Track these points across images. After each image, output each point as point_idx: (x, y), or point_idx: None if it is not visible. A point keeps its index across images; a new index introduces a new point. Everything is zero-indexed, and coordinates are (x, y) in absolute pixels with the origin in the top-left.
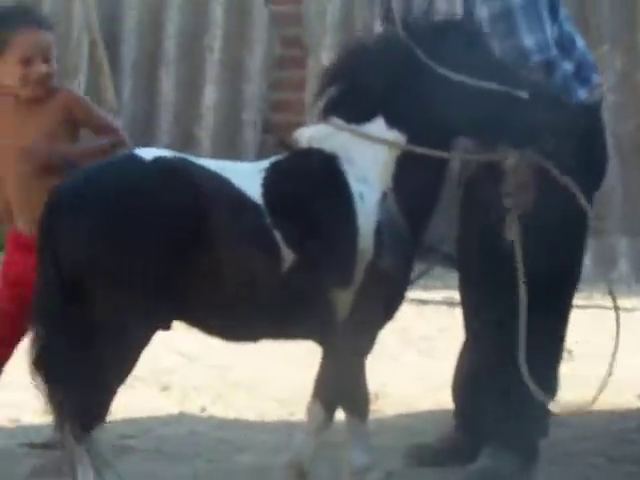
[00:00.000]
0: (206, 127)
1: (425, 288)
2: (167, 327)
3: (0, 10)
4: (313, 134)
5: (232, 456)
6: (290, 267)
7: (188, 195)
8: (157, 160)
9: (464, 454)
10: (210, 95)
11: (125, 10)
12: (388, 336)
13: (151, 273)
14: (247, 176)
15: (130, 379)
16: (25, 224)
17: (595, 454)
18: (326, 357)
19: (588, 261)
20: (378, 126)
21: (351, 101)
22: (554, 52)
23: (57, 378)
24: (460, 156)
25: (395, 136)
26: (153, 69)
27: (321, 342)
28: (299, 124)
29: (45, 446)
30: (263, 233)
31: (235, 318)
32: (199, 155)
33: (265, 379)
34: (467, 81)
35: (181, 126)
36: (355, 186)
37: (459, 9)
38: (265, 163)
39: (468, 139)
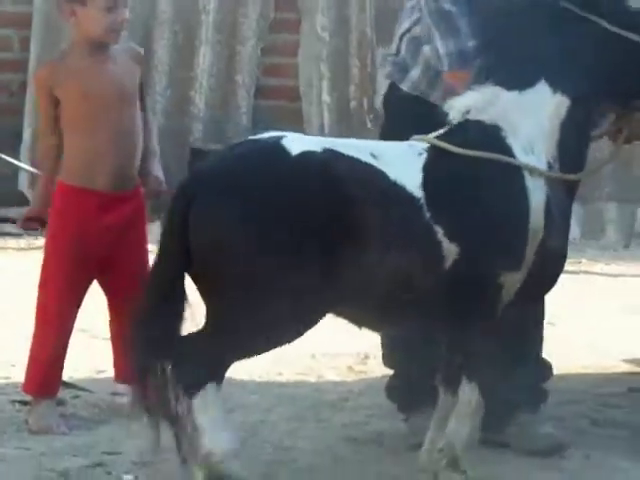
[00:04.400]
0: (200, 90)
1: None
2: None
3: None
4: (469, 104)
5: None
6: (454, 261)
7: (338, 194)
8: (305, 154)
9: None
10: (205, 57)
11: None
12: None
13: (299, 269)
14: (404, 163)
15: None
16: (108, 180)
17: (580, 417)
18: (478, 343)
19: (577, 227)
20: (542, 91)
21: (511, 66)
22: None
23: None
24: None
25: (560, 99)
26: (148, 30)
27: (477, 330)
28: (293, 89)
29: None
30: (422, 230)
31: (386, 312)
32: (195, 116)
33: None
34: (631, 37)
35: (176, 88)
36: (523, 159)
37: None
38: (420, 145)
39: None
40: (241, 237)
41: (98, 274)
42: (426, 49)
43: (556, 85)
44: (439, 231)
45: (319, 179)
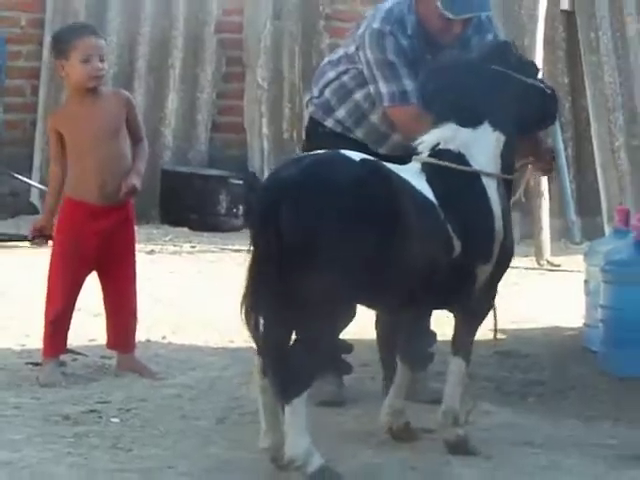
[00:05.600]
0: (169, 125)
1: None
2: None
3: (64, 26)
4: (438, 138)
5: (185, 372)
6: (457, 253)
7: (389, 190)
8: (364, 160)
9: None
10: (172, 101)
11: (107, 38)
12: None
13: (363, 250)
14: (414, 176)
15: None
16: (95, 195)
17: None
18: (460, 320)
19: None
20: (487, 129)
21: (463, 109)
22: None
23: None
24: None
25: (498, 135)
26: (129, 81)
27: (457, 309)
28: (239, 125)
29: (40, 364)
30: (442, 227)
31: (410, 297)
32: (165, 146)
33: (211, 315)
34: (536, 84)
35: (150, 124)
36: (483, 179)
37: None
38: (415, 165)
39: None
40: (332, 221)
41: (96, 267)
42: (358, 95)
43: (495, 125)
44: (449, 229)
45: (377, 179)
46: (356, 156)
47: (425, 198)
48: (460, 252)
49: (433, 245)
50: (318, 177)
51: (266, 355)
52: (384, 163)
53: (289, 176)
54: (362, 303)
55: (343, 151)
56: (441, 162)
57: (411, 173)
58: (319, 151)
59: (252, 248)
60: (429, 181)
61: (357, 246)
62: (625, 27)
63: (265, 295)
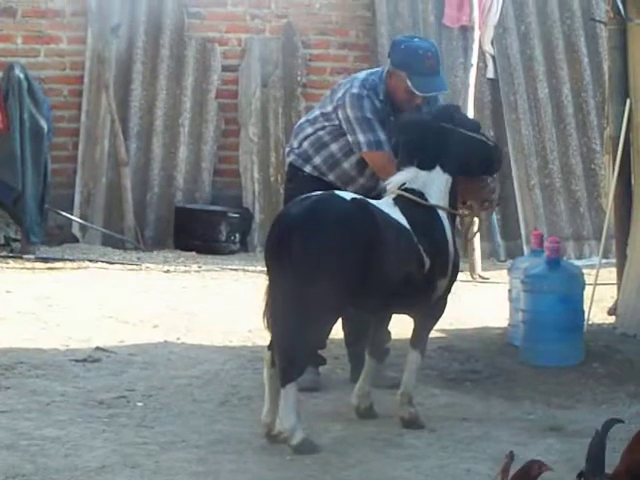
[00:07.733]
0: (180, 172)
1: None
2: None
3: None
4: (404, 179)
5: (195, 366)
6: (427, 268)
7: (374, 222)
8: (354, 199)
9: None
10: (183, 152)
11: (131, 103)
12: None
13: (353, 268)
14: (391, 209)
15: (134, 320)
16: None
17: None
18: (419, 322)
19: None
20: (438, 172)
21: (422, 156)
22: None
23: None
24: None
25: (447, 177)
26: (149, 137)
27: (418, 313)
28: (236, 171)
29: (85, 360)
30: (415, 248)
31: (389, 302)
32: (178, 187)
33: (215, 320)
34: (478, 137)
35: (165, 171)
36: (439, 211)
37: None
38: (389, 200)
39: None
40: (330, 246)
41: None
42: (334, 146)
43: (444, 168)
44: (421, 249)
45: (364, 213)
46: (347, 195)
47: (402, 225)
48: (428, 268)
49: (410, 262)
50: (319, 213)
51: (274, 350)
52: (368, 200)
53: (296, 213)
54: (351, 309)
55: (337, 192)
56: (411, 196)
57: (388, 206)
58: (318, 192)
59: (267, 270)
60: (402, 212)
61: (350, 265)
62: (537, 91)
63: (277, 307)
